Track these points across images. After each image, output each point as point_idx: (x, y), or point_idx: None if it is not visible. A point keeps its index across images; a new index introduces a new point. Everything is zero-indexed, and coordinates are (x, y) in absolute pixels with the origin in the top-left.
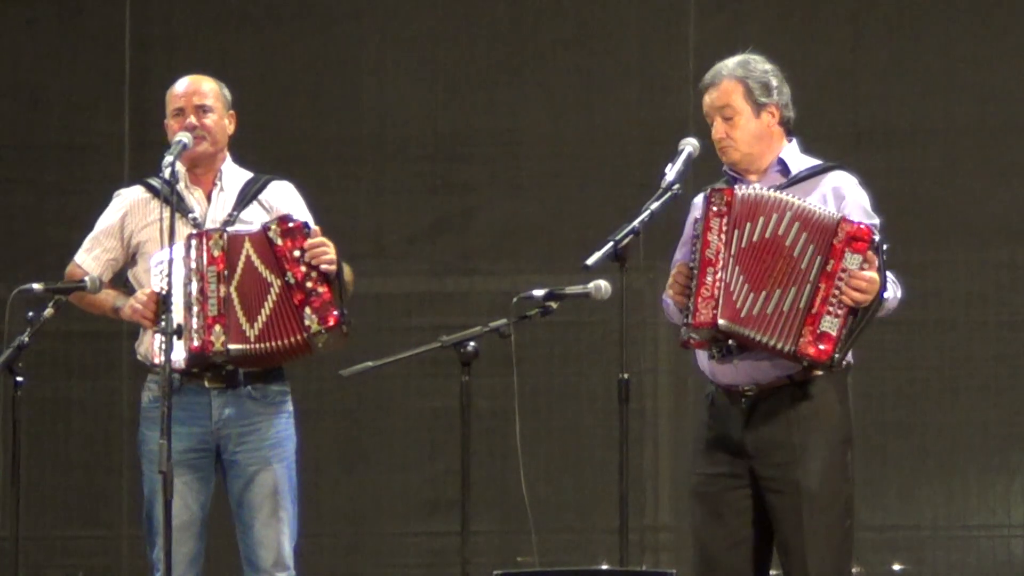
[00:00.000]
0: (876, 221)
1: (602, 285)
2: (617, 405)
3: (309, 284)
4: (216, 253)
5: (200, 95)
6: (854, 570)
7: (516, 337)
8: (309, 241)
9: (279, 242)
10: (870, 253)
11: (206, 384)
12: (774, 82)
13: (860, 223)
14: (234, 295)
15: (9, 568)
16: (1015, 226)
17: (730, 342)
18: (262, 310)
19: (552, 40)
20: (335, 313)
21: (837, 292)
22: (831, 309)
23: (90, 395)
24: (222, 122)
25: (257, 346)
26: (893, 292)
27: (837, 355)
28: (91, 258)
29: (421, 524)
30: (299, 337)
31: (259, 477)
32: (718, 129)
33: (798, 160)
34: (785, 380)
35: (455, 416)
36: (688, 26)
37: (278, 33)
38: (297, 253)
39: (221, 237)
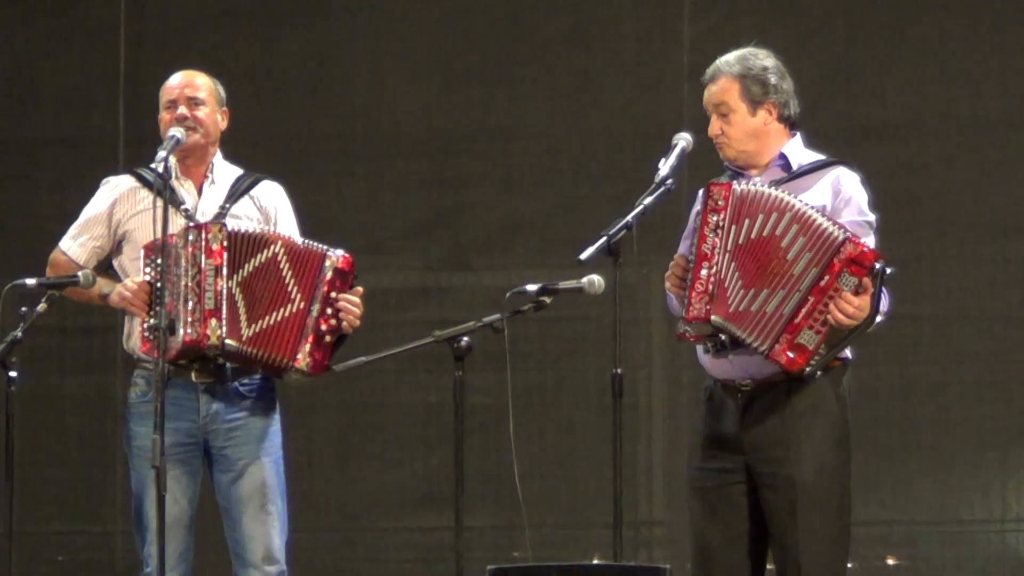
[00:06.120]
0: (872, 219)
1: (595, 280)
2: (611, 400)
3: (324, 327)
4: (215, 247)
5: (193, 87)
6: (848, 565)
7: (510, 332)
8: (348, 296)
9: (329, 274)
10: (866, 280)
11: (193, 378)
12: (772, 79)
13: (866, 247)
14: (236, 291)
15: (3, 563)
16: (1010, 221)
17: (722, 337)
18: (269, 316)
19: (547, 36)
20: (324, 365)
21: (823, 308)
22: (813, 324)
23: (84, 390)
24: (214, 116)
25: (246, 348)
26: (883, 307)
27: (808, 369)
28: (76, 244)
29: (415, 519)
30: (283, 360)
31: (248, 471)
32: (714, 126)
33: (801, 155)
34: (781, 376)
35: (449, 411)
36: (682, 22)
37: (273, 29)
38: (333, 294)
39: (220, 231)
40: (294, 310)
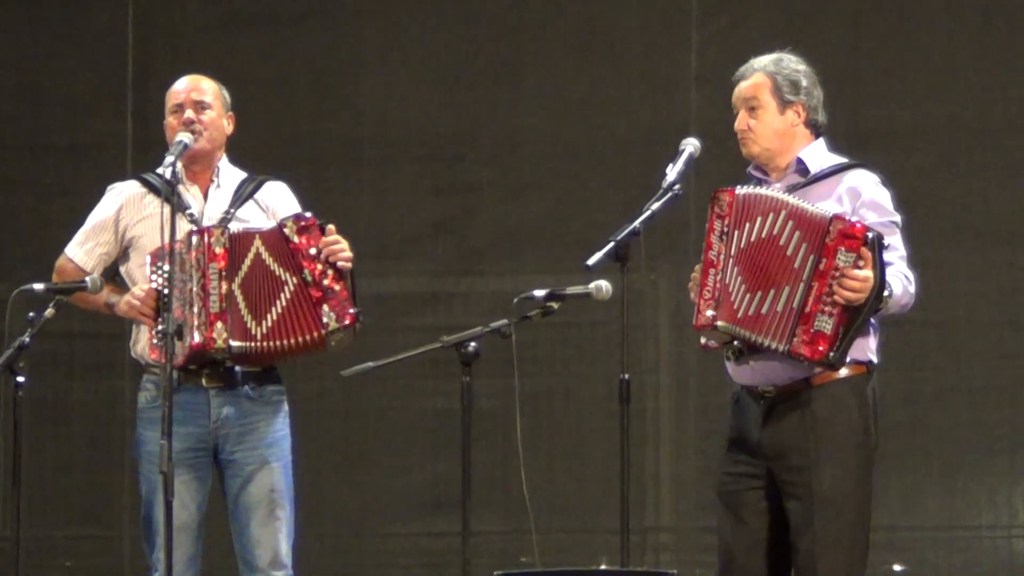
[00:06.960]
0: (896, 218)
1: (603, 285)
2: (618, 405)
3: (326, 282)
4: (218, 250)
5: (199, 91)
6: None
7: (517, 337)
8: (325, 239)
9: (296, 239)
10: (864, 250)
11: (204, 383)
12: (804, 82)
13: (854, 221)
14: (237, 292)
15: (10, 568)
16: (1017, 227)
17: (735, 343)
18: (273, 308)
19: (554, 41)
20: (351, 311)
21: (830, 291)
22: (824, 308)
23: (91, 395)
24: (220, 120)
25: (265, 344)
26: (902, 287)
27: (833, 354)
28: (83, 252)
29: (422, 525)
30: (316, 334)
31: (257, 476)
32: (741, 120)
33: (820, 159)
34: (801, 382)
35: (456, 416)
36: (690, 27)
37: (280, 34)
38: (313, 251)
39: (223, 234)
40: (293, 289)
